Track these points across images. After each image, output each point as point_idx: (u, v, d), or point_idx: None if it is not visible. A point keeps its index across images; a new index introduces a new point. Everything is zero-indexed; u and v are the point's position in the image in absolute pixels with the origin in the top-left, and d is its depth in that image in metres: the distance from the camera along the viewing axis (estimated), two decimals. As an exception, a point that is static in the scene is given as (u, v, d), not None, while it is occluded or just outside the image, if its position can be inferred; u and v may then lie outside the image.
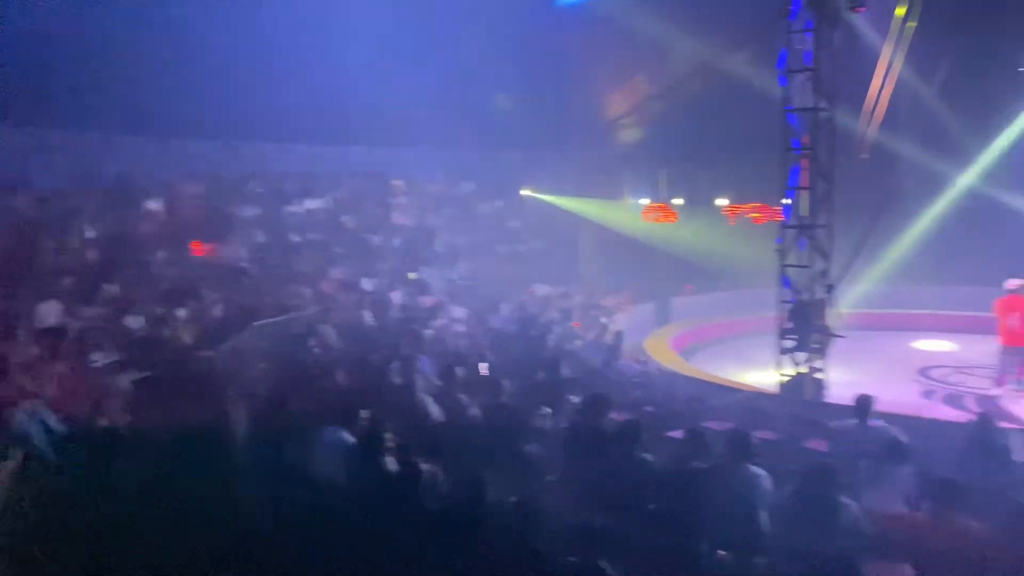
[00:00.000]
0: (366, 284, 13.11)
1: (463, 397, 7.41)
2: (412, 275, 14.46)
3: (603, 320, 14.21)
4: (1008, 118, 16.95)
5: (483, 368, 8.89)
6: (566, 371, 9.08)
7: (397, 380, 7.88)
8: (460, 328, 11.81)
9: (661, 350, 13.65)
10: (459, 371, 7.92)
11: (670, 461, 5.80)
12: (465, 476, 4.80)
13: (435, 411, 7.15)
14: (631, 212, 20.90)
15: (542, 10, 14.82)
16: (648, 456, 5.73)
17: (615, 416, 7.02)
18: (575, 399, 7.71)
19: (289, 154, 15.34)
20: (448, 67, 14.22)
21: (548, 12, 14.68)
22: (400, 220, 16.96)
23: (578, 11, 14.27)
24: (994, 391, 12.18)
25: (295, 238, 14.04)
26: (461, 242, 17.31)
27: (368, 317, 11.43)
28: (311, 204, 15.24)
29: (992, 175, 17.23)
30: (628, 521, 4.85)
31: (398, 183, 17.66)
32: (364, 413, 6.04)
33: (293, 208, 14.93)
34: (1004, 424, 7.48)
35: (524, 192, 19.80)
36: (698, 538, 4.80)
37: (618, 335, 11.03)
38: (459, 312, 12.60)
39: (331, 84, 12.48)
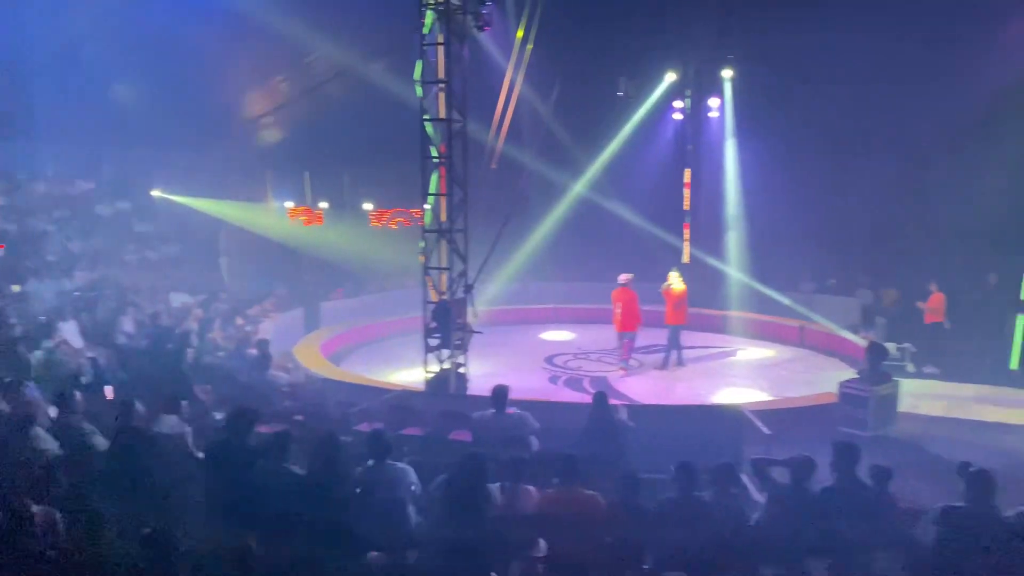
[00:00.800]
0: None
1: (85, 425, 6.59)
2: (16, 287, 12.52)
3: (247, 329, 13.60)
4: (610, 135, 19.65)
5: (108, 391, 7.99)
6: (205, 385, 8.53)
7: (-1, 412, 6.74)
8: (77, 346, 10.46)
9: (311, 356, 13.47)
10: (78, 396, 7.01)
11: (319, 469, 5.72)
12: (83, 515, 4.28)
13: (51, 444, 6.25)
14: (275, 215, 20.31)
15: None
16: (296, 468, 5.60)
17: (263, 429, 6.77)
18: (219, 415, 7.27)
19: None
20: (56, 49, 12.52)
21: (180, 2, 13.63)
22: (-3, 225, 14.57)
23: (213, 4, 13.46)
24: (619, 371, 14.03)
25: None
26: (78, 249, 15.38)
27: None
28: None
29: (597, 185, 19.79)
30: (280, 536, 4.69)
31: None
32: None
33: None
34: (614, 401, 8.58)
35: (155, 193, 18.18)
36: (352, 543, 4.81)
37: (263, 343, 10.64)
38: (73, 328, 11.15)
39: None
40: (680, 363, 14.41)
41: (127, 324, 11.97)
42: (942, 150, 15.25)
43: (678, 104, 19.85)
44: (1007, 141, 13.59)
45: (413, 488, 5.74)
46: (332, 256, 19.60)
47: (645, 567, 5.14)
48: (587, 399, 8.26)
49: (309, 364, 12.68)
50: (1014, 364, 13.01)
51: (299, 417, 8.53)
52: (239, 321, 13.89)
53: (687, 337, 14.87)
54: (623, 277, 14.01)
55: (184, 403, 7.25)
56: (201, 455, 6.12)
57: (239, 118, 17.49)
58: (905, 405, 10.65)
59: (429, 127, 10.19)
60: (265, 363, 9.48)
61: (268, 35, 13.05)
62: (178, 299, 14.87)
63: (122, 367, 9.50)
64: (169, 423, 6.78)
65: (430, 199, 10.46)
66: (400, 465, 5.79)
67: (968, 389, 12.05)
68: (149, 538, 4.06)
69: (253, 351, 10.82)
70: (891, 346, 12.73)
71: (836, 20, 14.79)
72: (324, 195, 21.14)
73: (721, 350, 16.22)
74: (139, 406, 6.81)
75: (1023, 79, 13.39)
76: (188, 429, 6.60)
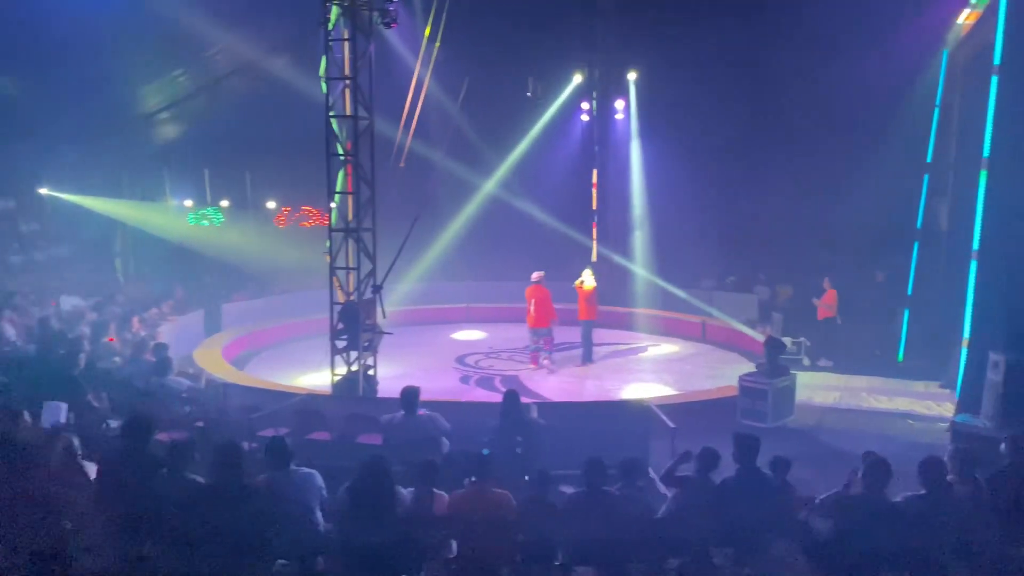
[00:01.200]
0: None
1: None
2: None
3: (144, 333, 13.03)
4: (519, 135, 19.79)
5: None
6: (100, 392, 8.13)
7: None
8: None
9: (212, 360, 13.03)
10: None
11: (222, 477, 5.54)
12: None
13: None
14: (174, 215, 19.60)
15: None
16: (199, 477, 5.41)
17: (163, 437, 6.51)
18: (115, 423, 6.95)
19: None
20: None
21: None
22: None
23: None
24: (529, 368, 14.11)
25: None
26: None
27: None
28: None
29: (507, 184, 19.91)
30: (183, 547, 4.53)
31: None
32: None
33: None
34: (525, 399, 8.63)
35: (42, 191, 17.21)
36: (259, 552, 4.68)
37: (160, 347, 10.22)
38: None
39: None
40: (589, 360, 14.64)
41: (8, 330, 11.30)
42: (834, 153, 16.01)
43: (585, 105, 20.18)
44: (892, 145, 14.40)
45: (320, 492, 5.62)
46: (233, 256, 19.06)
47: (556, 563, 5.19)
48: (498, 398, 8.27)
49: (210, 368, 12.26)
50: (901, 356, 13.79)
51: (200, 424, 8.26)
52: (136, 325, 13.29)
53: (596, 334, 15.11)
54: (536, 275, 14.17)
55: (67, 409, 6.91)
56: (92, 465, 5.82)
57: (134, 113, 16.73)
58: (801, 396, 11.13)
59: (335, 124, 10.01)
60: (164, 368, 9.09)
61: (166, 27, 12.52)
62: (69, 302, 14.13)
63: (4, 374, 8.95)
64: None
65: (336, 197, 10.28)
66: (305, 470, 5.66)
67: (860, 380, 12.68)
68: (39, 555, 3.84)
69: (150, 356, 10.37)
70: (787, 340, 13.27)
71: (734, 26, 15.35)
72: (225, 193, 20.55)
73: (628, 346, 16.56)
74: (27, 416, 6.44)
75: (905, 86, 14.23)
76: (75, 440, 6.26)
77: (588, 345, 14.66)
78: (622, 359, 15.41)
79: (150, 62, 14.63)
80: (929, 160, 13.52)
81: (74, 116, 14.58)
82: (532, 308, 14.10)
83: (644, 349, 16.40)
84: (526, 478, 6.46)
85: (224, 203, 20.52)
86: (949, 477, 5.48)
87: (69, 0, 11.93)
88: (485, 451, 5.99)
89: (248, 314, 17.18)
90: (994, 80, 9.44)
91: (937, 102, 13.31)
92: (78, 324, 12.54)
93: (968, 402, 9.47)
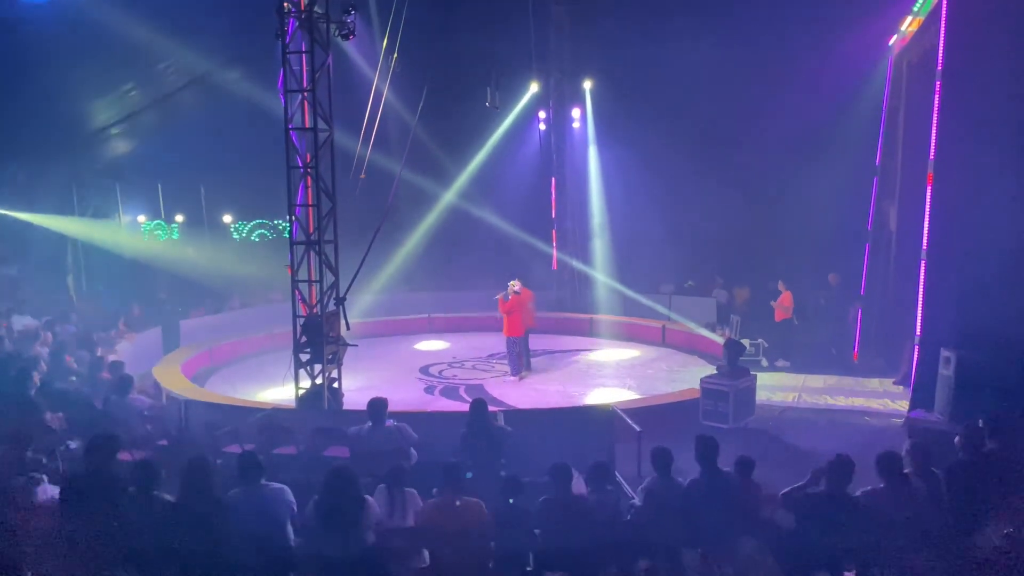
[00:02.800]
0: None
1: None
2: None
3: (99, 352, 12.78)
4: (478, 144, 19.87)
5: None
6: (57, 413, 7.97)
7: None
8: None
9: (172, 377, 12.82)
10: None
11: (190, 495, 5.48)
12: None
13: None
14: (127, 231, 19.27)
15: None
16: (167, 496, 5.34)
17: (125, 457, 6.42)
18: (74, 444, 6.82)
19: None
20: None
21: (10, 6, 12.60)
22: None
23: (47, 9, 12.55)
24: (511, 378, 14.03)
25: None
26: None
27: None
28: None
29: (467, 194, 19.97)
30: (154, 569, 4.48)
31: None
32: None
33: None
34: (492, 408, 8.66)
35: (-12, 209, 16.80)
36: (231, 569, 4.64)
37: (116, 366, 10.04)
38: None
39: None
40: (527, 367, 14.61)
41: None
42: (786, 158, 16.36)
43: (542, 114, 20.33)
44: (841, 150, 14.78)
45: (290, 507, 5.59)
46: (190, 272, 18.80)
47: (528, 569, 5.24)
48: (464, 407, 8.30)
49: (170, 386, 12.08)
50: (856, 355, 14.12)
51: (163, 442, 8.16)
52: (94, 344, 13.03)
53: (555, 341, 15.14)
54: (518, 284, 13.98)
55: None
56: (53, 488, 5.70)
57: (85, 128, 16.42)
58: (761, 397, 11.35)
59: (294, 137, 9.96)
60: (124, 386, 8.94)
61: (116, 41, 12.32)
62: (21, 322, 13.81)
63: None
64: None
65: (299, 210, 10.22)
66: (276, 485, 5.64)
67: (817, 380, 12.96)
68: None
69: (107, 375, 10.18)
70: (746, 342, 13.51)
71: (687, 33, 15.62)
72: (180, 208, 20.26)
73: (589, 352, 16.67)
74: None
75: (852, 92, 14.62)
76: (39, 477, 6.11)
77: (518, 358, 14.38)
78: (584, 365, 15.51)
79: (100, 76, 14.39)
80: (877, 164, 13.90)
81: (22, 133, 14.27)
82: (521, 315, 13.94)
83: (605, 355, 16.50)
84: (502, 473, 6.53)
85: (179, 218, 20.23)
86: (906, 471, 5.64)
87: (13, 14, 11.70)
88: (468, 474, 6.01)
89: (207, 330, 16.92)
90: (937, 85, 9.75)
91: (883, 107, 13.69)
92: (31, 344, 12.27)
93: (921, 398, 9.74)
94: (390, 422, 7.63)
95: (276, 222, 20.33)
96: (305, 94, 9.88)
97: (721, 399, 10.53)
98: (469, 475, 5.96)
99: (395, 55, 11.34)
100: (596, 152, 20.19)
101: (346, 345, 10.39)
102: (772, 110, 15.57)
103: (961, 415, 8.27)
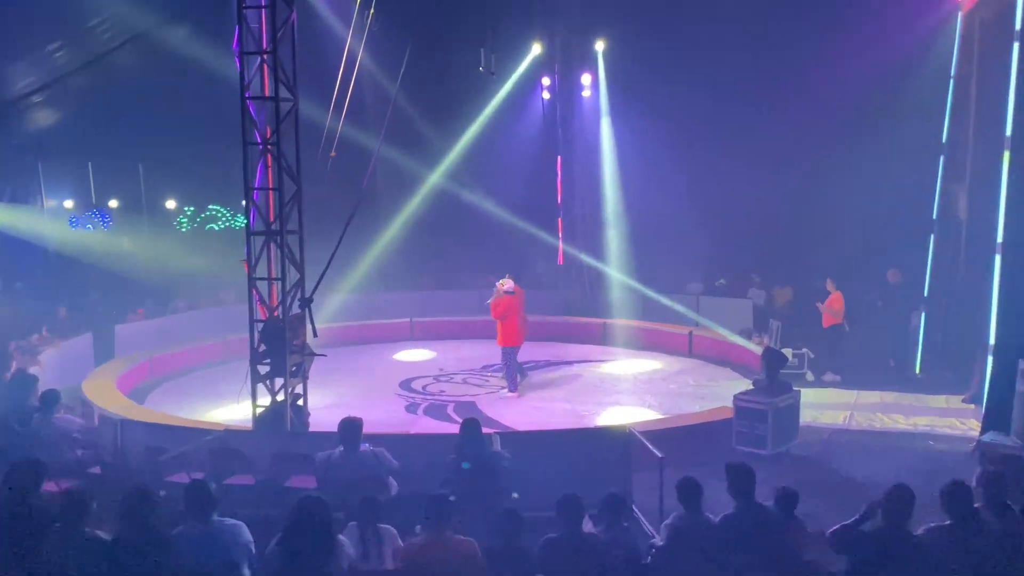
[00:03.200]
0: None
1: None
2: None
3: (15, 363, 12.81)
4: (470, 117, 19.87)
5: None
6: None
7: None
8: None
9: (105, 393, 12.86)
10: None
11: (130, 532, 5.51)
12: None
13: None
14: (51, 218, 19.28)
15: None
16: (102, 533, 5.37)
17: (51, 487, 6.44)
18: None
19: None
20: None
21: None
22: None
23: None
24: (509, 395, 14.07)
25: None
26: None
27: None
28: None
29: (456, 174, 19.99)
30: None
31: None
32: None
33: None
34: (486, 429, 8.69)
35: None
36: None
37: (28, 379, 10.07)
38: None
39: None
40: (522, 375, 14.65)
41: None
42: (837, 134, 16.39)
43: (546, 81, 20.34)
44: (902, 124, 14.77)
45: (247, 546, 5.62)
46: (127, 267, 18.81)
47: (530, 620, 5.27)
48: (453, 429, 8.33)
49: (104, 403, 12.11)
50: (918, 368, 14.15)
51: (96, 470, 8.19)
52: (12, 353, 13.07)
53: (562, 350, 15.20)
54: (509, 283, 14.05)
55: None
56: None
57: (1, 96, 16.43)
58: (806, 417, 11.38)
59: (251, 107, 9.97)
60: (49, 404, 8.96)
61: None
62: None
63: None
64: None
65: (257, 194, 10.23)
66: (231, 521, 5.66)
67: (872, 397, 13.01)
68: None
69: (28, 388, 10.19)
70: (787, 352, 13.53)
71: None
72: (114, 191, 20.28)
73: (602, 364, 16.71)
74: None
75: (915, 57, 14.64)
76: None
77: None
78: (595, 379, 15.56)
79: (19, 33, 14.40)
80: (944, 141, 13.93)
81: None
82: (518, 320, 13.98)
83: (620, 366, 16.55)
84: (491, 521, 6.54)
85: (113, 203, 20.25)
86: (977, 505, 5.67)
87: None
88: (451, 497, 6.02)
89: (147, 337, 16.97)
90: (1016, 47, 9.76)
91: (951, 74, 13.72)
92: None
93: (996, 418, 9.77)
94: (365, 446, 7.66)
95: (228, 209, 20.37)
96: (265, 57, 9.88)
97: (758, 419, 10.54)
98: (452, 498, 5.97)
99: (371, 10, 11.36)
100: (610, 125, 20.23)
101: (313, 355, 10.42)
102: (819, 76, 15.59)
103: (1043, 439, 8.31)
